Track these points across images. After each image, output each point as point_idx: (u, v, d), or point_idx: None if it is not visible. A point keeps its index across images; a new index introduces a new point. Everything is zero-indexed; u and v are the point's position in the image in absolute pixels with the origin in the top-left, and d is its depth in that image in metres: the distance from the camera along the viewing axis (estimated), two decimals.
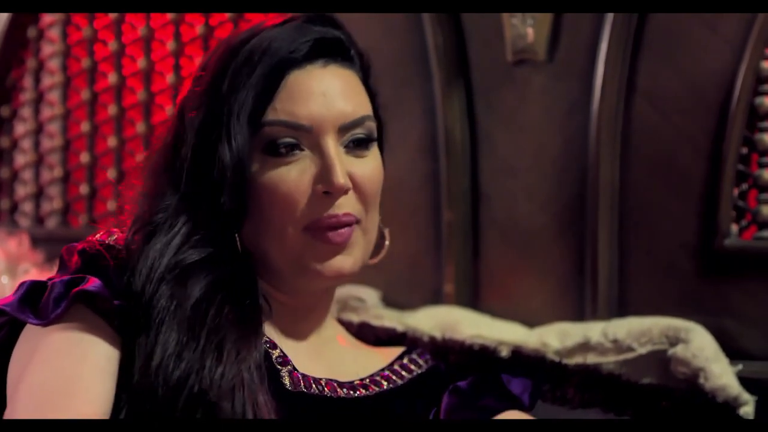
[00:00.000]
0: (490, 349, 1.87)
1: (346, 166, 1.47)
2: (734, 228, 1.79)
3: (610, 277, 1.88)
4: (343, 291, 2.00)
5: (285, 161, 1.46)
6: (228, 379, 1.34)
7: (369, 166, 1.50)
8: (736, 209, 1.79)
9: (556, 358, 1.83)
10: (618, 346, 1.79)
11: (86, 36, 2.61)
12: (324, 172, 1.45)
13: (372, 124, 1.51)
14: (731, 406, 1.69)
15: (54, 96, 2.68)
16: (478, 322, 1.95)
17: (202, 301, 1.39)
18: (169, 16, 2.46)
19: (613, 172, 1.87)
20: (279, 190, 1.45)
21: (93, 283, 1.36)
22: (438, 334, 1.92)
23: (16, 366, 1.39)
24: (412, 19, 2.06)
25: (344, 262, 1.49)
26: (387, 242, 1.58)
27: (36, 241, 2.55)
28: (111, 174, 2.57)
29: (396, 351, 1.67)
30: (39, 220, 2.71)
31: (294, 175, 1.46)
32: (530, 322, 1.93)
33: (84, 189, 2.62)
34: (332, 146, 1.46)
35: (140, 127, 2.52)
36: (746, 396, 1.70)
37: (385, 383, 1.57)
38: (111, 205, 2.56)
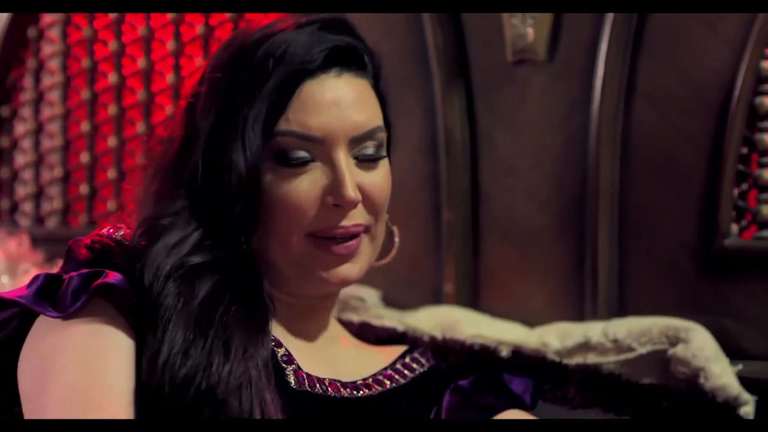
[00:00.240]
0: (490, 349, 1.87)
1: (356, 177, 1.47)
2: (734, 228, 1.79)
3: (610, 276, 1.88)
4: (343, 291, 1.98)
5: (296, 171, 1.46)
6: (235, 377, 1.34)
7: (379, 176, 1.51)
8: (736, 209, 1.79)
9: (557, 358, 1.83)
10: (618, 346, 1.79)
11: (86, 36, 2.61)
12: (335, 185, 1.45)
13: (383, 135, 1.51)
14: (731, 405, 1.69)
15: (54, 96, 2.68)
16: (479, 321, 1.95)
17: (209, 299, 1.39)
18: (169, 16, 2.46)
19: (613, 172, 1.87)
20: (289, 200, 1.45)
21: (114, 277, 1.36)
22: (438, 334, 1.93)
23: (33, 359, 1.37)
24: (412, 19, 2.06)
25: (351, 270, 1.49)
26: (397, 240, 1.59)
27: (36, 241, 2.55)
28: (111, 174, 2.57)
29: (398, 350, 1.67)
30: (39, 220, 2.71)
31: (304, 186, 1.46)
32: (530, 322, 1.93)
33: (84, 189, 2.62)
34: (343, 158, 1.46)
35: (140, 127, 2.52)
36: (746, 396, 1.70)
37: (387, 382, 1.58)
38: (111, 205, 2.56)
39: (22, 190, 2.75)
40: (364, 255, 1.51)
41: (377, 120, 1.51)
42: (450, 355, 1.89)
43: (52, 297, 1.37)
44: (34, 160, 2.71)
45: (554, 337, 1.86)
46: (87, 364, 1.33)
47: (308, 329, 1.56)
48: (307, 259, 1.47)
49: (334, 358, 1.57)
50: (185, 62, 2.46)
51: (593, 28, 1.87)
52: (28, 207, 2.74)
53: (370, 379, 1.56)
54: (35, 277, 1.40)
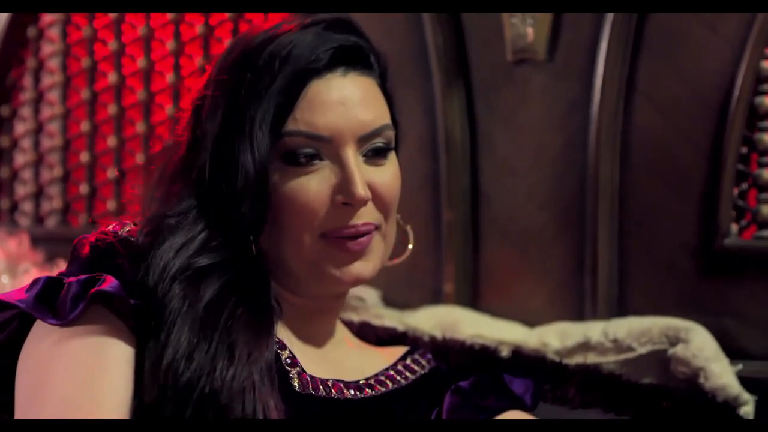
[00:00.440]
0: (490, 349, 1.87)
1: (365, 175, 1.47)
2: (734, 227, 1.79)
3: (610, 276, 1.88)
4: None
5: (304, 171, 1.46)
6: (239, 381, 1.33)
7: (388, 174, 1.51)
8: (736, 209, 1.79)
9: (557, 358, 1.83)
10: (618, 346, 1.79)
11: (86, 35, 2.60)
12: (344, 184, 1.45)
13: (390, 133, 1.51)
14: (731, 405, 1.70)
15: (54, 95, 2.67)
16: (479, 321, 1.95)
17: (214, 302, 1.38)
18: (169, 15, 2.46)
19: (613, 172, 1.87)
20: (298, 199, 1.45)
21: (110, 284, 1.35)
22: (438, 334, 1.93)
23: (31, 365, 1.37)
24: (412, 19, 2.06)
25: (363, 268, 1.49)
26: (411, 239, 1.59)
27: (36, 241, 2.55)
28: (111, 173, 2.57)
29: (399, 351, 1.67)
30: (39, 219, 2.71)
31: (314, 185, 1.46)
32: (530, 322, 1.93)
33: (84, 188, 2.62)
34: (352, 157, 1.46)
35: (140, 126, 2.52)
36: (746, 396, 1.70)
37: (389, 383, 1.58)
38: (111, 205, 2.56)
39: (21, 190, 2.75)
40: (377, 253, 1.50)
41: (385, 118, 1.51)
42: (450, 355, 1.89)
43: (51, 302, 1.37)
44: (33, 159, 2.71)
45: (554, 337, 1.86)
46: (82, 377, 1.33)
47: (315, 331, 1.56)
48: (320, 258, 1.47)
49: (338, 360, 1.57)
50: (185, 62, 2.46)
51: (593, 28, 1.87)
52: (28, 206, 2.74)
53: (372, 380, 1.56)
54: (35, 281, 1.40)
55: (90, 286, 1.36)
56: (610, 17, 1.84)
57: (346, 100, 1.47)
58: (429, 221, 2.06)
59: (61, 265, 2.17)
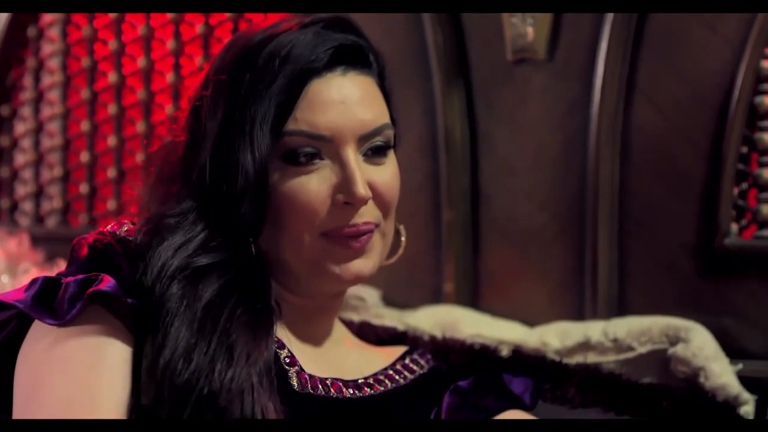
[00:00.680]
0: (490, 348, 1.88)
1: (365, 174, 1.47)
2: (734, 227, 1.79)
3: (610, 276, 1.88)
4: None
5: (305, 170, 1.46)
6: (238, 383, 1.33)
7: (388, 173, 1.51)
8: (736, 208, 1.79)
9: (557, 358, 1.83)
10: (618, 346, 1.79)
11: (86, 35, 2.60)
12: (345, 183, 1.45)
13: (390, 132, 1.52)
14: (731, 405, 1.70)
15: (54, 95, 2.67)
16: (479, 321, 1.95)
17: (213, 302, 1.38)
18: (169, 15, 2.46)
19: (613, 172, 1.87)
20: (299, 199, 1.45)
21: (107, 283, 1.36)
22: (438, 334, 1.93)
23: (29, 365, 1.37)
24: (412, 19, 2.06)
25: (364, 265, 1.49)
26: (404, 239, 1.59)
27: (36, 241, 2.55)
28: (111, 173, 2.57)
29: (398, 350, 1.67)
30: (39, 219, 2.71)
31: (314, 185, 1.46)
32: (530, 322, 1.93)
33: (84, 188, 2.62)
34: (352, 156, 1.46)
35: (140, 126, 2.52)
36: (746, 395, 1.70)
37: (387, 382, 1.58)
38: (111, 205, 2.56)
39: (22, 190, 2.75)
40: (376, 251, 1.51)
41: (384, 117, 1.51)
42: (450, 355, 1.89)
43: (49, 302, 1.37)
44: (34, 159, 2.71)
45: (554, 337, 1.86)
46: (79, 377, 1.33)
47: (314, 331, 1.56)
48: (320, 257, 1.47)
49: (337, 359, 1.57)
50: (185, 61, 2.46)
51: (593, 28, 1.87)
52: (28, 206, 2.74)
53: (371, 379, 1.57)
54: (33, 281, 1.40)
55: (87, 286, 1.36)
56: (610, 17, 1.84)
57: (346, 100, 1.47)
58: (429, 221, 2.06)
59: (62, 265, 2.17)
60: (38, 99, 2.70)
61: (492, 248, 2.01)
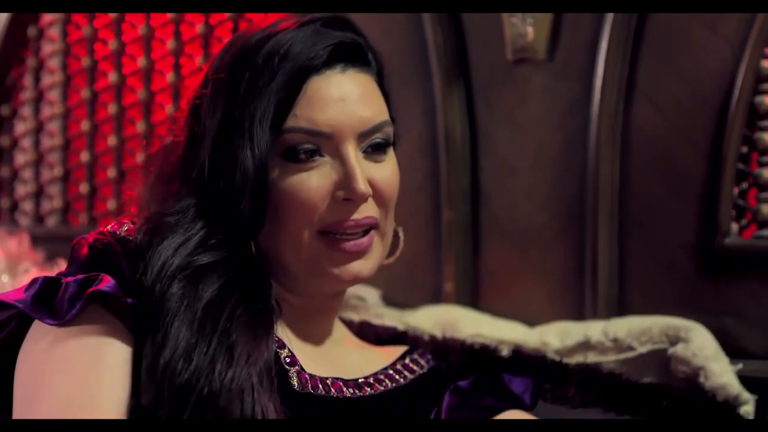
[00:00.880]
0: (490, 348, 1.88)
1: (365, 171, 1.47)
2: (734, 227, 1.79)
3: (610, 276, 1.88)
4: None
5: (305, 167, 1.46)
6: (238, 383, 1.33)
7: (387, 171, 1.51)
8: (736, 208, 1.79)
9: (557, 357, 1.84)
10: (618, 345, 1.79)
11: (86, 35, 2.61)
12: (345, 180, 1.45)
13: (390, 129, 1.51)
14: (731, 405, 1.70)
15: (54, 95, 2.67)
16: (479, 321, 1.95)
17: (214, 302, 1.38)
18: (169, 15, 2.46)
19: (613, 172, 1.87)
20: (299, 196, 1.45)
21: (107, 283, 1.36)
22: (438, 333, 1.93)
23: (28, 365, 1.37)
24: (412, 19, 2.06)
25: (363, 266, 1.49)
26: (401, 239, 1.59)
27: (36, 240, 2.55)
28: (111, 173, 2.57)
29: (398, 350, 1.67)
30: (39, 218, 2.71)
31: (314, 181, 1.46)
32: (530, 321, 1.93)
33: (84, 188, 2.62)
34: (352, 153, 1.46)
35: (140, 125, 2.52)
36: (746, 395, 1.70)
37: (388, 382, 1.58)
38: (111, 204, 2.56)
39: (22, 189, 2.75)
40: (375, 252, 1.51)
41: (384, 114, 1.51)
42: (450, 355, 1.89)
43: (49, 302, 1.37)
44: (34, 159, 2.71)
45: (554, 337, 1.86)
46: (79, 377, 1.33)
47: (313, 330, 1.56)
48: (319, 257, 1.47)
49: (338, 358, 1.57)
50: (185, 61, 2.46)
51: (593, 28, 1.87)
52: (28, 206, 2.74)
53: (371, 378, 1.57)
54: (33, 281, 1.40)
55: (87, 286, 1.36)
56: (610, 17, 1.84)
57: (345, 97, 1.47)
58: (429, 221, 2.06)
59: (62, 265, 2.17)
60: (38, 99, 2.70)
61: (492, 248, 2.02)
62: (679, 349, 1.73)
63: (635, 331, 1.79)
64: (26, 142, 2.73)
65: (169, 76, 2.47)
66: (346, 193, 1.45)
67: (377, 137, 1.49)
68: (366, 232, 1.49)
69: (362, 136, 1.48)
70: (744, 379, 1.71)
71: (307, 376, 1.49)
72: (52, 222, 2.68)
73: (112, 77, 2.56)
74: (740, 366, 1.73)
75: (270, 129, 1.44)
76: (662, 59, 1.83)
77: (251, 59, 1.47)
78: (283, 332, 1.50)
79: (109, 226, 1.46)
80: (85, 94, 2.61)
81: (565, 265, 1.93)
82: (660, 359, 1.76)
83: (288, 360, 1.48)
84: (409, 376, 1.61)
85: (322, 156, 1.46)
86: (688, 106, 1.81)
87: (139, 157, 2.51)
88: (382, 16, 2.05)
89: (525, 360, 1.85)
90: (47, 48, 2.68)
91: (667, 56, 1.82)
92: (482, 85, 2.02)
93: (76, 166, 2.65)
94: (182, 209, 1.45)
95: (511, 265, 1.99)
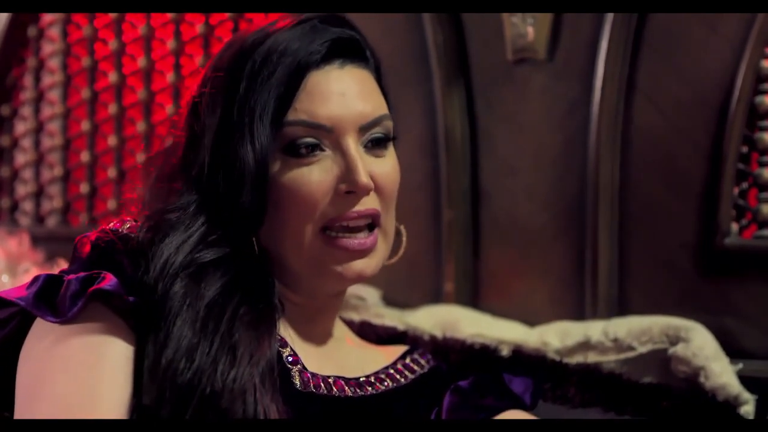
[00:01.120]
0: (490, 348, 1.88)
1: (366, 166, 1.47)
2: (734, 227, 1.79)
3: (611, 276, 1.88)
4: None
5: (306, 161, 1.46)
6: (240, 383, 1.33)
7: (388, 165, 1.51)
8: (736, 208, 1.79)
9: (557, 357, 1.84)
10: (618, 345, 1.79)
11: (86, 35, 2.61)
12: (347, 172, 1.45)
13: (389, 124, 1.52)
14: (731, 405, 1.70)
15: (54, 95, 2.68)
16: (479, 321, 1.95)
17: (216, 301, 1.38)
18: (170, 15, 2.46)
19: (613, 172, 1.87)
20: (301, 190, 1.45)
21: (109, 282, 1.35)
22: (439, 333, 1.93)
23: (30, 364, 1.37)
24: (412, 19, 2.06)
25: (366, 265, 1.49)
26: (404, 239, 1.58)
27: (36, 240, 2.55)
28: (111, 173, 2.57)
29: (399, 350, 1.67)
30: (39, 218, 2.71)
31: (316, 176, 1.45)
32: (530, 321, 1.93)
33: (84, 188, 2.62)
34: (353, 146, 1.46)
35: (141, 125, 2.52)
36: (746, 395, 1.70)
37: (389, 381, 1.58)
38: (111, 204, 2.56)
39: (22, 189, 2.75)
40: (379, 251, 1.50)
41: (383, 109, 1.52)
42: (451, 354, 1.89)
43: (51, 300, 1.37)
44: (34, 158, 2.71)
45: (554, 336, 1.86)
46: (79, 376, 1.33)
47: (316, 329, 1.56)
48: (322, 255, 1.47)
49: (339, 357, 1.57)
50: (185, 61, 2.46)
51: (593, 28, 1.87)
52: (28, 206, 2.74)
53: (373, 377, 1.57)
54: (36, 278, 1.39)
55: (89, 284, 1.36)
56: (610, 17, 1.84)
57: (345, 91, 1.48)
58: (429, 221, 2.06)
59: (62, 265, 2.17)
60: (39, 99, 2.70)
61: (492, 248, 2.01)
62: (679, 349, 1.73)
63: (635, 331, 1.79)
64: (26, 142, 2.73)
65: (170, 76, 2.47)
66: (348, 186, 1.45)
67: (377, 131, 1.49)
68: (370, 231, 1.49)
69: (362, 130, 1.48)
70: (744, 379, 1.71)
71: (309, 375, 1.49)
72: (52, 222, 2.69)
73: (113, 77, 2.56)
74: (740, 366, 1.73)
75: (270, 123, 1.44)
76: (662, 59, 1.83)
77: (250, 57, 1.47)
78: (285, 331, 1.50)
79: (112, 223, 1.46)
80: (85, 94, 2.61)
81: (565, 265, 1.93)
82: (660, 359, 1.76)
83: (290, 359, 1.48)
84: (410, 375, 1.61)
85: (323, 150, 1.46)
86: (688, 106, 1.81)
87: (140, 157, 2.51)
88: (382, 16, 2.05)
89: (525, 360, 1.85)
90: (47, 48, 2.68)
91: (667, 56, 1.82)
92: (482, 85, 2.02)
93: (76, 166, 2.65)
94: (183, 206, 1.45)
95: (511, 265, 1.99)
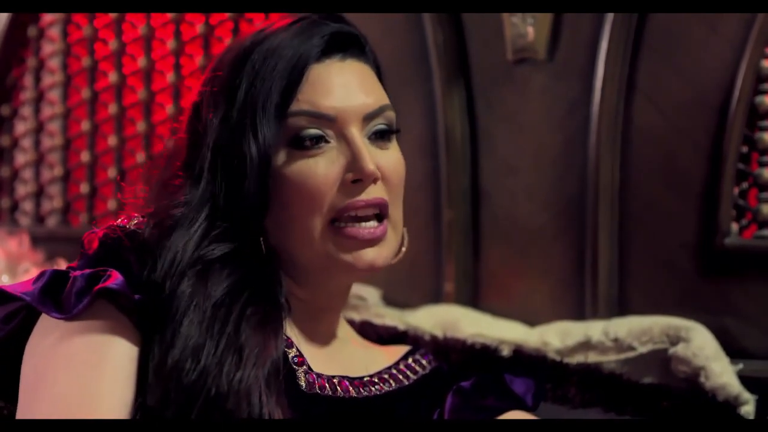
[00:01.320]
0: (491, 348, 1.87)
1: (372, 156, 1.47)
2: (734, 227, 1.79)
3: (611, 276, 1.88)
4: None
5: (311, 153, 1.46)
6: (246, 385, 1.33)
7: (393, 157, 1.51)
8: (736, 208, 1.79)
9: (557, 357, 1.83)
10: (619, 345, 1.80)
11: (87, 35, 2.61)
12: (353, 161, 1.45)
13: (392, 114, 1.51)
14: (732, 405, 1.70)
15: (54, 95, 2.68)
16: (479, 320, 1.95)
17: (223, 302, 1.38)
18: (170, 15, 2.46)
19: (613, 172, 1.87)
20: (307, 182, 1.45)
21: (115, 280, 1.35)
22: (439, 333, 1.93)
23: (34, 360, 1.37)
24: (412, 19, 2.06)
25: (377, 254, 1.47)
26: (406, 239, 1.58)
27: (36, 240, 2.55)
28: (111, 173, 2.57)
29: (401, 350, 1.67)
30: (39, 219, 2.71)
31: (322, 167, 1.45)
32: (531, 321, 1.93)
33: (84, 188, 2.63)
34: (358, 135, 1.46)
35: (141, 125, 2.52)
36: (747, 395, 1.70)
37: (392, 382, 1.58)
38: (111, 204, 2.56)
39: (22, 189, 2.75)
40: (389, 241, 1.49)
41: (385, 100, 1.52)
42: (451, 354, 1.89)
43: (57, 296, 1.36)
44: (34, 159, 2.71)
45: (555, 336, 1.86)
46: (80, 376, 1.33)
47: (321, 329, 1.55)
48: (332, 247, 1.46)
49: (344, 357, 1.56)
50: (186, 61, 2.46)
51: (593, 28, 1.87)
52: (28, 206, 2.74)
53: (376, 377, 1.57)
54: (42, 273, 1.39)
55: (95, 282, 1.35)
56: (610, 17, 1.84)
57: (347, 83, 1.48)
58: (429, 221, 2.06)
59: (62, 265, 2.18)
60: (39, 99, 2.70)
61: (492, 248, 2.02)
62: (679, 349, 1.73)
63: (636, 331, 1.79)
64: (26, 142, 2.73)
65: (170, 76, 2.47)
66: (355, 174, 1.45)
67: (380, 122, 1.50)
68: (379, 222, 1.48)
69: (366, 119, 1.48)
70: (744, 379, 1.71)
71: (314, 376, 1.48)
72: (52, 222, 2.69)
73: (113, 77, 2.57)
74: (740, 366, 1.73)
75: (274, 116, 1.44)
76: (662, 59, 1.83)
77: (250, 55, 1.48)
78: (291, 331, 1.50)
79: (119, 220, 1.46)
80: (85, 94, 2.61)
81: (565, 265, 1.93)
82: (660, 359, 1.76)
83: (296, 360, 1.48)
84: (412, 376, 1.61)
85: (327, 142, 1.46)
86: (688, 106, 1.81)
87: (140, 157, 2.51)
88: (382, 16, 2.05)
89: (526, 360, 1.85)
90: (47, 48, 2.68)
91: (667, 56, 1.82)
92: (482, 85, 2.02)
93: (76, 166, 2.65)
94: (188, 201, 1.45)
95: (511, 265, 1.99)
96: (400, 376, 1.60)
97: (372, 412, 1.52)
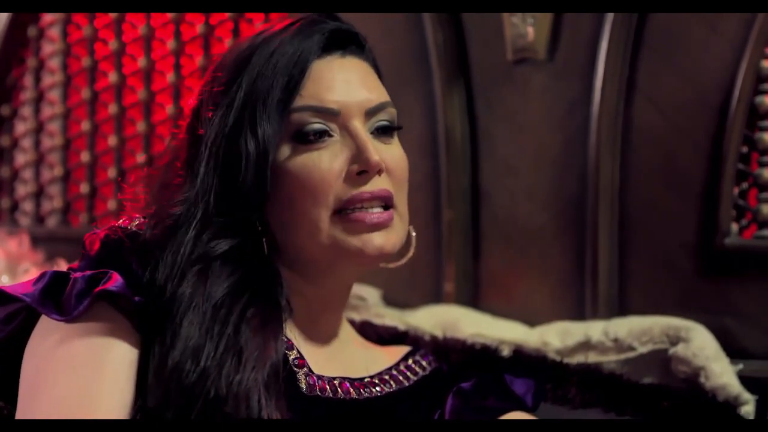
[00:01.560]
0: (491, 348, 1.87)
1: (376, 149, 1.47)
2: (734, 227, 1.79)
3: (611, 276, 1.88)
4: None
5: (315, 147, 1.46)
6: (245, 387, 1.33)
7: (396, 152, 1.51)
8: (736, 208, 1.79)
9: (557, 357, 1.83)
10: (619, 345, 1.79)
11: (87, 35, 2.61)
12: (358, 153, 1.46)
13: (394, 111, 1.52)
14: (732, 405, 1.70)
15: (54, 95, 2.68)
16: (479, 321, 1.95)
17: (223, 303, 1.38)
18: (170, 15, 2.46)
19: (613, 172, 1.87)
20: (312, 175, 1.45)
21: (115, 282, 1.35)
22: (439, 333, 1.92)
23: (34, 361, 1.37)
24: (412, 19, 2.06)
25: (386, 240, 1.47)
26: (413, 242, 1.57)
27: (36, 240, 2.55)
28: (111, 173, 2.57)
29: (401, 350, 1.67)
30: (39, 219, 2.71)
31: (326, 161, 1.46)
32: (531, 321, 1.93)
33: (84, 188, 2.62)
34: (361, 128, 1.47)
35: (141, 126, 2.52)
36: (747, 395, 1.70)
37: (392, 383, 1.58)
38: (111, 204, 2.56)
39: (22, 189, 2.75)
40: (397, 228, 1.49)
41: (386, 96, 1.53)
42: (451, 355, 1.89)
43: (57, 297, 1.36)
44: (34, 159, 2.71)
45: (555, 336, 1.86)
46: (82, 376, 1.33)
47: (322, 329, 1.55)
48: (339, 235, 1.45)
49: (345, 358, 1.57)
50: (186, 61, 2.46)
51: (593, 28, 1.87)
52: (28, 206, 2.74)
53: (377, 378, 1.57)
54: (42, 274, 1.39)
55: (95, 284, 1.35)
56: (610, 17, 1.84)
57: (349, 79, 1.49)
58: (429, 221, 2.06)
59: (62, 265, 2.18)
60: (39, 99, 2.70)
61: (492, 248, 2.01)
62: (679, 349, 1.73)
63: (636, 331, 1.79)
64: (26, 142, 2.73)
65: (170, 76, 2.47)
66: (359, 166, 1.45)
67: (383, 118, 1.50)
68: (385, 209, 1.48)
69: (369, 114, 1.49)
70: (744, 379, 1.71)
71: (315, 378, 1.48)
72: (52, 222, 2.68)
73: (113, 77, 2.56)
74: (740, 366, 1.73)
75: (276, 111, 1.45)
76: (662, 59, 1.83)
77: (251, 56, 1.48)
78: (291, 332, 1.50)
79: (121, 220, 1.46)
80: (85, 94, 2.61)
81: (565, 265, 1.93)
82: (661, 359, 1.76)
83: (297, 362, 1.48)
84: (413, 377, 1.61)
85: (331, 136, 1.47)
86: (688, 106, 1.81)
87: (140, 158, 2.51)
88: (382, 16, 2.05)
89: (526, 360, 1.85)
90: (47, 48, 2.68)
91: (667, 56, 1.82)
92: (482, 85, 2.02)
93: (76, 166, 2.65)
94: (187, 198, 1.45)
95: (511, 265, 1.99)
96: (401, 377, 1.60)
97: (373, 414, 1.52)
